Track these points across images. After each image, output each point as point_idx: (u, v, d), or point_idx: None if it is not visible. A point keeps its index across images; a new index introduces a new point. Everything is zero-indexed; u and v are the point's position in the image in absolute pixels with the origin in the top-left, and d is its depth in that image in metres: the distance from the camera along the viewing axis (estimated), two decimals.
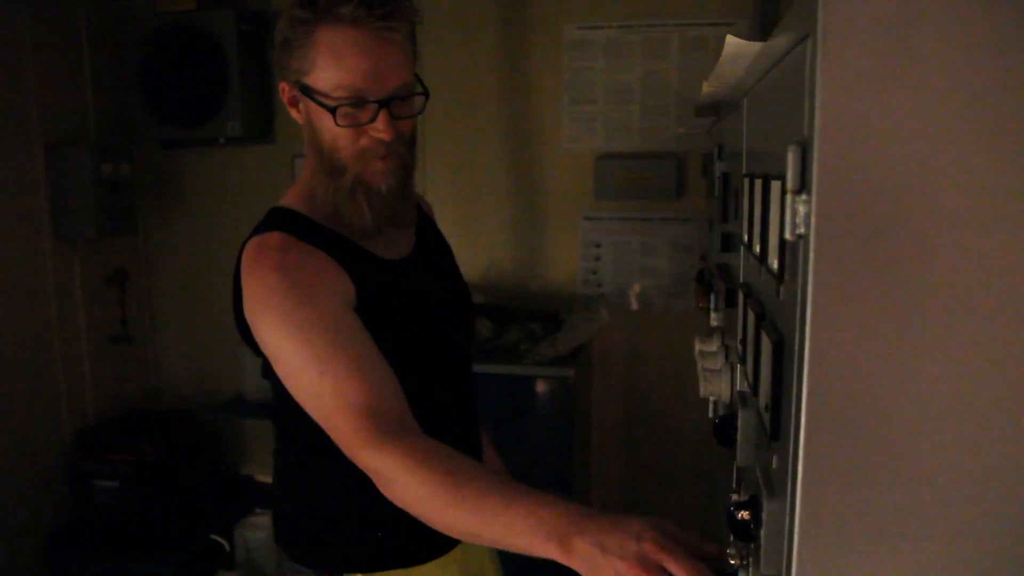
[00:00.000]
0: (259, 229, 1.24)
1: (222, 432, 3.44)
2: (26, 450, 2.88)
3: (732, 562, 0.98)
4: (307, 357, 1.13)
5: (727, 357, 1.26)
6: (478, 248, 3.20)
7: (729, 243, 1.29)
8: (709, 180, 2.24)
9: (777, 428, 0.70)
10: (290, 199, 1.30)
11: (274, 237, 1.20)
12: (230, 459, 3.49)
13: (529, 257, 3.20)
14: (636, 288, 3.14)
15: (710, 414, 1.40)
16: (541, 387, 2.73)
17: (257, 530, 3.00)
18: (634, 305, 3.14)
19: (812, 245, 0.62)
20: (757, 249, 0.86)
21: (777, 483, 0.71)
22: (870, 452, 0.62)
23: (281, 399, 1.24)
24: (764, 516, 0.71)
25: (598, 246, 3.15)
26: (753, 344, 0.83)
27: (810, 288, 0.62)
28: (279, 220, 1.24)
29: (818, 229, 0.62)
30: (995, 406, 0.61)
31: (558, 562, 0.92)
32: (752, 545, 0.82)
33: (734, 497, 0.90)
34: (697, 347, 1.35)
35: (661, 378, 3.15)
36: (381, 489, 1.09)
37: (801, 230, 0.63)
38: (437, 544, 1.37)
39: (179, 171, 3.40)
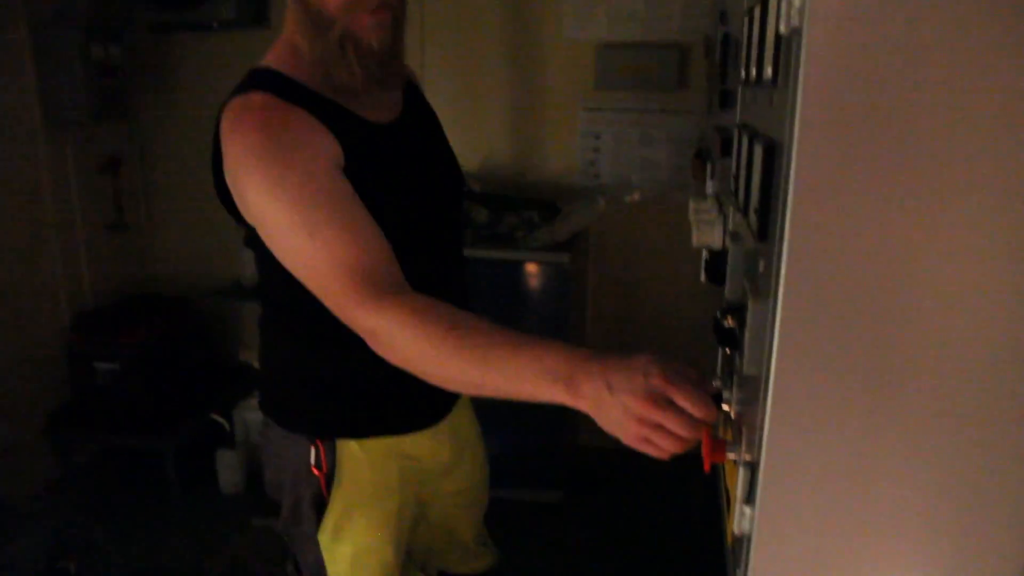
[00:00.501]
0: (239, 90, 1.18)
1: (221, 318, 3.47)
2: (26, 332, 2.92)
3: (715, 383, 1.02)
4: (296, 219, 1.09)
5: (720, 210, 1.27)
6: (476, 137, 3.17)
7: (727, 99, 1.29)
8: (711, 62, 2.21)
9: (765, 228, 0.71)
10: (271, 59, 1.23)
11: (256, 97, 1.14)
12: (229, 345, 3.53)
13: (528, 146, 3.18)
14: (634, 179, 3.12)
15: (703, 278, 1.41)
16: (537, 272, 2.75)
17: (255, 411, 3.05)
18: (632, 195, 3.14)
19: (805, 33, 0.61)
20: (754, 72, 0.85)
21: (763, 285, 0.73)
22: (851, 242, 0.64)
23: (265, 266, 1.22)
24: (749, 318, 0.73)
25: (597, 137, 3.12)
26: (746, 166, 0.84)
27: (801, 80, 0.62)
28: (260, 80, 1.18)
29: (812, 17, 0.61)
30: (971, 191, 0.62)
31: (566, 406, 0.92)
32: (736, 355, 0.84)
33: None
34: (692, 206, 1.36)
35: (657, 268, 3.18)
36: (380, 349, 1.08)
37: (796, 22, 0.63)
38: (428, 413, 1.39)
39: (171, 56, 3.32)
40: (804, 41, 0.61)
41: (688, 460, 3.21)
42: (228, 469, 2.94)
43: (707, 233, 1.18)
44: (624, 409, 0.86)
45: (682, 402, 0.85)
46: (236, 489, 2.97)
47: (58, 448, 3.04)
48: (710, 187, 1.59)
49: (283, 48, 1.23)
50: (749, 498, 0.71)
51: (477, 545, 1.60)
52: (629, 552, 2.69)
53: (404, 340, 1.05)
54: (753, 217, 0.74)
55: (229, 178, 1.15)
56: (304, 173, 1.10)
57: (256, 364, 3.35)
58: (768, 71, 0.74)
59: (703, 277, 1.40)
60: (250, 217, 1.16)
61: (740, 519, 0.71)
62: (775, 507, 0.68)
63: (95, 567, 1.45)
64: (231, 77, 3.27)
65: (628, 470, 3.18)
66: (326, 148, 1.14)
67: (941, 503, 0.67)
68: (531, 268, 2.76)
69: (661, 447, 0.87)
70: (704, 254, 1.33)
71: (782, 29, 0.65)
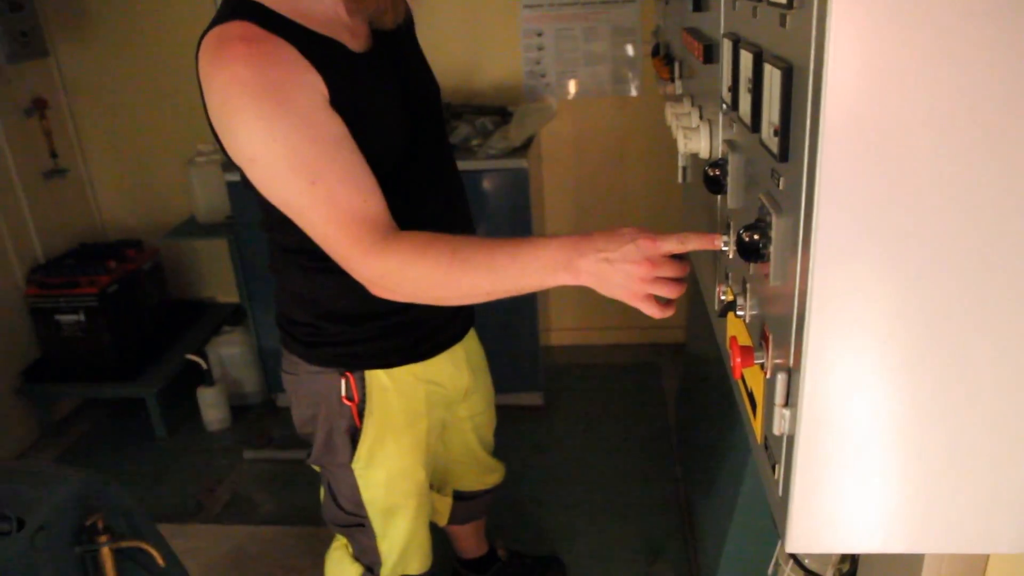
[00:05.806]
0: (216, 21, 1.13)
1: (178, 258, 3.42)
2: None
3: (724, 298, 1.07)
4: (296, 164, 1.08)
5: (701, 116, 1.29)
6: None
7: (700, 2, 1.29)
8: None
9: (786, 150, 0.74)
10: None
11: (236, 26, 1.09)
12: (189, 284, 3.49)
13: (471, 52, 3.12)
14: (580, 74, 3.11)
15: (679, 179, 1.45)
16: (497, 180, 2.75)
17: (229, 347, 3.06)
18: (579, 92, 3.13)
19: None
20: None
21: (785, 203, 0.77)
22: (884, 162, 0.67)
23: (272, 204, 1.19)
24: (773, 233, 0.77)
25: (539, 35, 3.08)
26: (750, 83, 0.86)
27: (831, 6, 0.63)
28: (238, 9, 1.13)
29: None
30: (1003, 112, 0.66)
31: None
32: (752, 267, 0.89)
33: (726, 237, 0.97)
34: (669, 111, 1.38)
35: (609, 163, 3.20)
36: (385, 292, 1.13)
37: None
38: (447, 336, 1.45)
39: None
40: None
41: (652, 352, 3.29)
42: (211, 407, 2.96)
43: (693, 141, 1.21)
44: (625, 275, 1.00)
45: (674, 247, 1.00)
46: (222, 425, 3.00)
47: (35, 406, 3.02)
48: (678, 87, 1.60)
49: None
50: (788, 402, 0.78)
51: (490, 459, 1.68)
52: (612, 447, 2.81)
53: (417, 274, 1.10)
54: (771, 137, 0.77)
55: (213, 115, 1.11)
56: (300, 114, 1.09)
57: (219, 299, 3.31)
58: None
59: (680, 179, 1.44)
60: (239, 157, 1.12)
61: (780, 420, 0.78)
62: (817, 409, 0.74)
63: (119, 520, 1.48)
64: (152, 6, 3.12)
65: (598, 366, 3.30)
66: (315, 86, 1.11)
67: (987, 400, 0.73)
68: (491, 176, 2.76)
69: (666, 295, 1.01)
70: (680, 178, 1.38)
71: None
